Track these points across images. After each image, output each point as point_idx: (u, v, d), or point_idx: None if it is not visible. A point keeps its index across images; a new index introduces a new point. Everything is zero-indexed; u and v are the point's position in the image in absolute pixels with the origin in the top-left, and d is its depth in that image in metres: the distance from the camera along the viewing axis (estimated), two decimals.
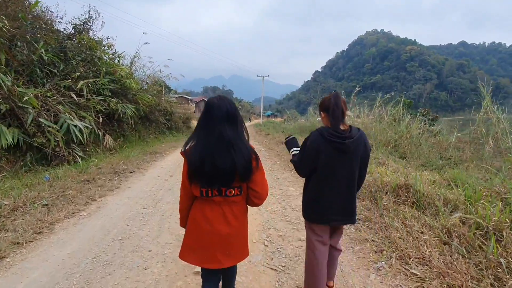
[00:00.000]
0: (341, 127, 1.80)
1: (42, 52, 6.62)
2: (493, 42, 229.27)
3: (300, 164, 1.92)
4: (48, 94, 6.47)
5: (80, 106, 7.23)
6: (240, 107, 58.38)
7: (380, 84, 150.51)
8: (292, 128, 19.12)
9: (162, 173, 6.36)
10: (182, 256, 1.62)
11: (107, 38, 10.83)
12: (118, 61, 10.07)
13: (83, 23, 9.91)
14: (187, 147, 1.51)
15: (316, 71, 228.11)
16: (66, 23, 9.50)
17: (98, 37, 10.40)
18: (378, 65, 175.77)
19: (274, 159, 8.42)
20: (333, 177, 1.83)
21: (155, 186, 5.38)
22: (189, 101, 61.44)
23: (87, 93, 7.29)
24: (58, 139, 5.95)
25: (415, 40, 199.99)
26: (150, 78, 13.46)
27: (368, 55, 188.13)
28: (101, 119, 7.61)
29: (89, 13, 10.10)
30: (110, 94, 8.39)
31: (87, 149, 7.12)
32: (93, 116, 7.48)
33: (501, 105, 6.62)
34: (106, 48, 10.52)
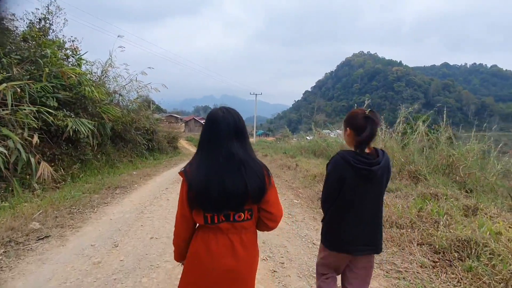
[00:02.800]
0: (366, 150, 1.63)
1: None
2: (475, 63, 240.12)
3: (325, 197, 1.74)
4: None
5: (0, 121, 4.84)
6: None
7: (369, 103, 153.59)
8: (293, 147, 16.93)
9: (105, 238, 3.52)
10: None
11: (72, 41, 8.66)
12: (79, 65, 7.77)
13: (41, 20, 7.75)
14: (187, 167, 1.27)
15: (306, 91, 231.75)
16: (20, 19, 7.34)
17: (57, 37, 8.22)
18: (366, 85, 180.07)
19: (287, 193, 6.13)
20: (357, 205, 1.64)
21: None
22: (179, 120, 59.59)
23: (12, 101, 4.92)
24: None
25: (400, 61, 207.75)
26: (131, 90, 11.17)
27: (356, 75, 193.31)
28: (35, 139, 5.18)
29: (48, 9, 7.97)
30: (56, 104, 6.02)
31: (5, 185, 4.66)
32: (25, 134, 5.07)
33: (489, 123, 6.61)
34: (69, 51, 8.29)
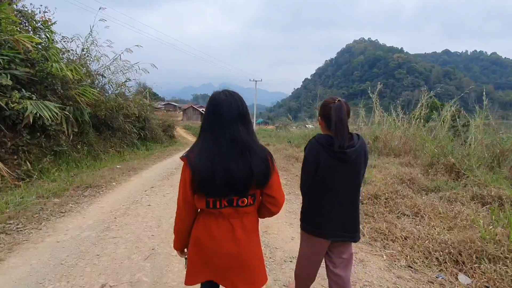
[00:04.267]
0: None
1: None
2: (475, 51, 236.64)
3: (304, 180, 1.73)
4: None
5: None
6: None
7: (369, 91, 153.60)
8: (296, 136, 15.80)
9: (32, 283, 2.19)
10: (189, 280, 1.33)
11: (45, 12, 7.32)
12: (47, 38, 6.42)
13: None
14: (190, 152, 1.22)
15: (306, 79, 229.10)
16: None
17: (25, 7, 6.89)
18: (367, 72, 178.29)
19: (295, 189, 5.06)
20: (332, 187, 1.65)
21: None
22: (177, 108, 58.12)
23: None
24: None
25: (402, 48, 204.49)
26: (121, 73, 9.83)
27: (357, 62, 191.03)
28: None
29: None
30: (11, 83, 4.77)
31: None
32: None
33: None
34: (40, 24, 6.97)
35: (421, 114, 8.76)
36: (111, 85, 10.15)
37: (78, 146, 7.46)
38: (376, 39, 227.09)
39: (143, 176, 6.16)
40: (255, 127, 39.24)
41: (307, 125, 25.07)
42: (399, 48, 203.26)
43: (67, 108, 6.37)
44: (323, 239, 1.69)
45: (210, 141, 1.19)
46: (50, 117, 5.06)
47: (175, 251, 1.42)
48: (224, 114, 1.19)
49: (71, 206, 3.87)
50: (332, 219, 1.65)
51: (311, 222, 1.71)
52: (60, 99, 6.21)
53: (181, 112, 56.59)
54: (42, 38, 6.19)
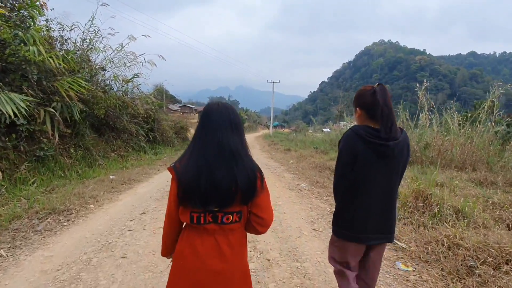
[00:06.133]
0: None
1: None
2: (504, 52, 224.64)
3: (338, 178, 1.55)
4: None
5: None
6: (246, 116, 54.04)
7: (389, 94, 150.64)
8: (321, 141, 14.22)
9: None
10: None
11: None
12: (31, 18, 5.25)
13: None
14: (177, 162, 1.21)
15: (323, 82, 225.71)
16: None
17: None
18: (386, 75, 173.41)
19: None
20: (370, 186, 1.49)
21: None
22: (193, 111, 57.93)
23: None
24: None
25: (424, 50, 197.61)
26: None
27: (376, 65, 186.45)
28: None
29: None
30: None
31: None
32: None
33: None
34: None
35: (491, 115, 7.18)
36: (117, 81, 9.07)
37: (71, 150, 6.34)
38: (397, 41, 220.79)
39: (137, 192, 4.85)
40: (271, 130, 37.77)
41: (324, 129, 23.73)
42: (421, 50, 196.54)
43: (53, 104, 5.24)
44: (358, 244, 1.54)
45: (200, 148, 1.17)
46: (12, 112, 3.86)
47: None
48: (214, 121, 1.19)
49: (2, 254, 2.53)
50: (368, 221, 1.51)
51: (345, 225, 1.56)
52: (44, 92, 5.08)
53: (197, 114, 56.39)
54: (22, 15, 5.04)
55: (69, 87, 4.92)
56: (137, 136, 9.73)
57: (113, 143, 8.47)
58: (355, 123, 1.58)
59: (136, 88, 10.26)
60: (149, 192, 4.90)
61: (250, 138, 27.08)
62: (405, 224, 3.37)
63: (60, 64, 4.92)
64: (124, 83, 9.32)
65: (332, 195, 1.65)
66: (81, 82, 5.21)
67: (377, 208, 1.50)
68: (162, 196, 4.58)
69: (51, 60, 4.69)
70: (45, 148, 5.06)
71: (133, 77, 9.46)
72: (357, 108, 1.52)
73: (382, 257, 1.68)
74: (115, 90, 8.93)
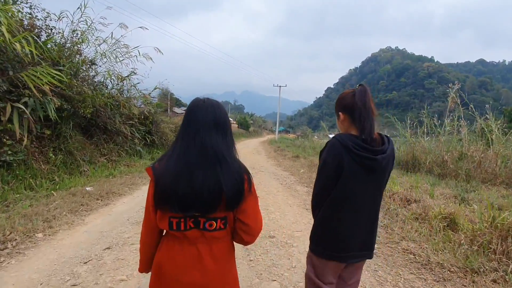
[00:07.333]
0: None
1: None
2: None
3: (318, 190, 1.42)
4: None
5: None
6: (251, 121, 53.17)
7: (396, 101, 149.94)
8: None
9: None
10: None
11: None
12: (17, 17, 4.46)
13: None
14: (156, 163, 1.10)
15: (329, 88, 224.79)
16: None
17: None
18: (393, 82, 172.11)
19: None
20: (355, 201, 1.37)
21: None
22: None
23: None
24: None
25: (432, 57, 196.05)
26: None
27: (383, 71, 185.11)
28: None
29: None
30: None
31: None
32: None
33: None
34: None
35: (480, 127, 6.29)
36: (112, 79, 8.23)
37: (50, 154, 5.47)
38: (404, 48, 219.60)
39: (114, 210, 3.88)
40: (277, 135, 36.81)
41: (329, 135, 22.87)
42: (429, 57, 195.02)
43: (23, 100, 4.38)
44: (338, 263, 1.45)
45: (181, 148, 1.07)
46: None
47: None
48: (197, 120, 1.08)
49: None
50: (351, 239, 1.41)
51: (325, 243, 1.44)
52: (12, 84, 4.22)
53: None
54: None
55: (37, 78, 4.04)
56: (133, 139, 8.87)
57: (104, 147, 7.60)
58: (339, 131, 1.47)
59: (133, 87, 9.43)
60: (128, 211, 3.94)
61: (255, 143, 26.20)
62: (495, 282, 2.31)
63: (30, 51, 4.07)
64: (119, 80, 8.48)
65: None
66: (49, 71, 4.28)
67: (361, 225, 1.41)
68: (141, 218, 3.54)
69: (17, 45, 3.84)
70: (9, 152, 4.18)
71: (129, 75, 8.62)
72: (340, 113, 1.43)
73: (361, 271, 1.57)
74: (109, 87, 8.10)
